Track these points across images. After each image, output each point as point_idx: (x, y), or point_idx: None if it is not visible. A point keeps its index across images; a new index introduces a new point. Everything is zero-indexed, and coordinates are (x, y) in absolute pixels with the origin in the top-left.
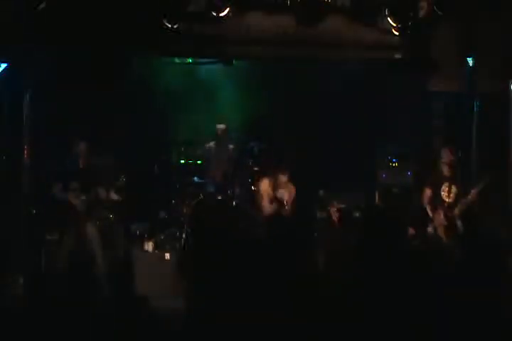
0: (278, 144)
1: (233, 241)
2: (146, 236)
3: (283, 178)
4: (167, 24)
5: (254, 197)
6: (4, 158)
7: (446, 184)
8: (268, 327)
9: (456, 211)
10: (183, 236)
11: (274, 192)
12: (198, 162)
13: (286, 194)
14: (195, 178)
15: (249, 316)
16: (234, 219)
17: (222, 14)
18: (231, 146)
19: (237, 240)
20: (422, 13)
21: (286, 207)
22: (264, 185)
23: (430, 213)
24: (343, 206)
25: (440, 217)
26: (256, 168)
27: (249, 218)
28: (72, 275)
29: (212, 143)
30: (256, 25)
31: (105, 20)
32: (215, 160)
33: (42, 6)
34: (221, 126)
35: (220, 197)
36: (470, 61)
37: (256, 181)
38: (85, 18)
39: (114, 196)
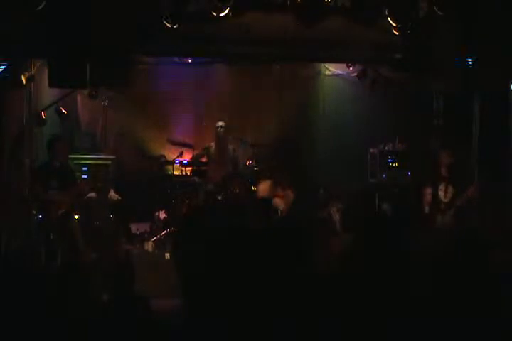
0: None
1: (227, 241)
2: (146, 236)
3: (282, 184)
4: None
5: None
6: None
7: (444, 184)
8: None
9: (452, 210)
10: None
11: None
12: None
13: (283, 202)
14: (195, 178)
15: (243, 318)
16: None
17: (222, 14)
18: (231, 146)
19: (231, 240)
20: (422, 13)
21: (281, 215)
22: (263, 188)
23: (427, 213)
24: (343, 206)
25: (437, 216)
26: (256, 168)
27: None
28: (57, 275)
29: (212, 143)
30: (256, 25)
31: (105, 20)
32: (216, 160)
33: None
34: (220, 124)
35: (219, 198)
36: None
37: (255, 181)
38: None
39: (113, 196)
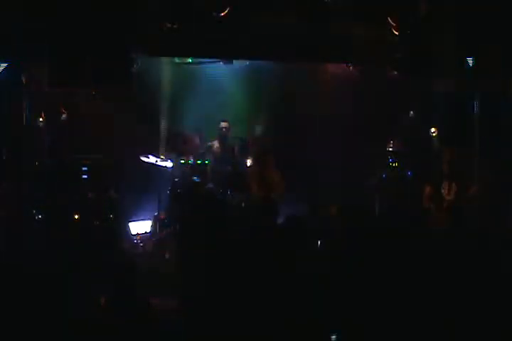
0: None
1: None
2: (146, 236)
3: (271, 163)
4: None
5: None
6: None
7: (447, 182)
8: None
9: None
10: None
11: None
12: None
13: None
14: (195, 177)
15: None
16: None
17: (222, 14)
18: (232, 146)
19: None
20: (422, 13)
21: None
22: (253, 167)
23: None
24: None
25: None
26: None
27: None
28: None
29: (214, 141)
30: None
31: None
32: (217, 159)
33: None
34: (223, 124)
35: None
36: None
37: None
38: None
39: (113, 196)
